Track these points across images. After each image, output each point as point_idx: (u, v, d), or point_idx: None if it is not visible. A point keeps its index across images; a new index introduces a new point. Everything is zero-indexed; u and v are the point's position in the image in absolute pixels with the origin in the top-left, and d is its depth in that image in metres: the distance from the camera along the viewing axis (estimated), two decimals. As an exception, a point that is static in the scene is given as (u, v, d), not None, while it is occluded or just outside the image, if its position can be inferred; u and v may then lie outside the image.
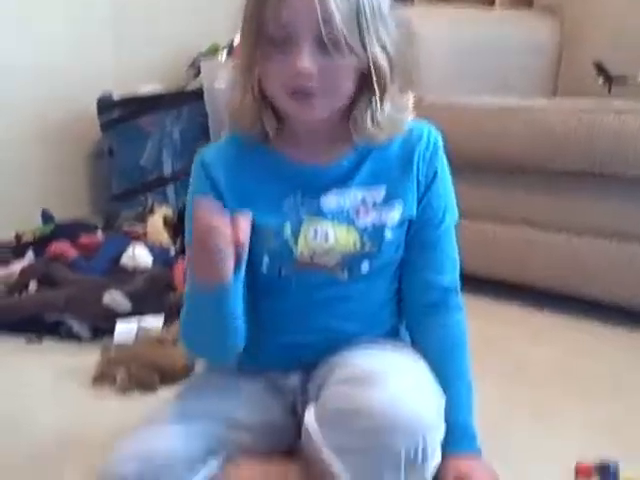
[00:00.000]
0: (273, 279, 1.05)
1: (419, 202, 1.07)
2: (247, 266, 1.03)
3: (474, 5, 2.73)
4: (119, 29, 3.06)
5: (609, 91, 2.22)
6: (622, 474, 1.11)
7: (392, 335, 1.12)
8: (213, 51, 3.00)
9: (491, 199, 2.08)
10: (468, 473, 1.01)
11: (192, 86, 2.88)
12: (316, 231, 1.03)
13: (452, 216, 1.11)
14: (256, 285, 1.06)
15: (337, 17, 0.92)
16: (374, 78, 0.99)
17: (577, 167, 1.85)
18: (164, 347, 1.62)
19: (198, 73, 2.90)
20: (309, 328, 1.07)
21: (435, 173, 1.07)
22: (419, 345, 1.09)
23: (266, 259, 1.04)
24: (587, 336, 1.81)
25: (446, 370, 1.04)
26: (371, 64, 0.98)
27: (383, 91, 1.00)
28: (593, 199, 1.88)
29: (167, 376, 1.53)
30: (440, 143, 1.09)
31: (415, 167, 1.06)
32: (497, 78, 2.38)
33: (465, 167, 2.06)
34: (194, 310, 1.01)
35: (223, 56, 2.83)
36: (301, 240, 1.03)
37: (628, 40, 2.36)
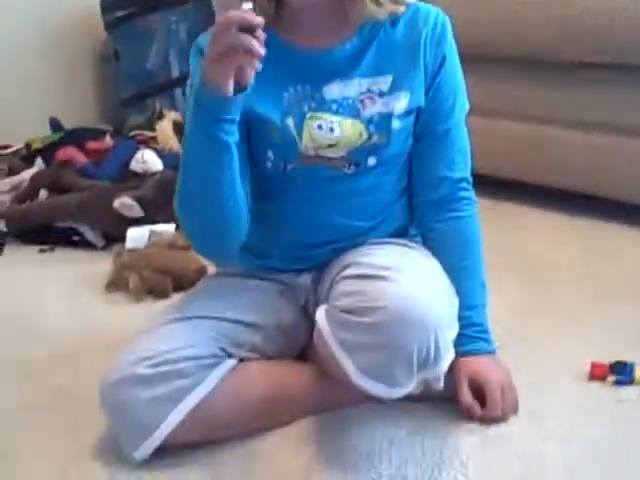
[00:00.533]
0: (278, 175, 1.03)
1: (427, 90, 1.03)
2: (251, 162, 1.01)
3: None
4: None
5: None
6: (637, 374, 1.10)
7: (402, 234, 1.10)
8: (218, -54, 2.89)
9: (514, 96, 2.01)
10: (482, 372, 1.00)
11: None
12: (320, 126, 1.00)
13: (462, 106, 1.07)
14: (261, 184, 1.03)
15: None
16: None
17: (594, 57, 1.78)
18: (176, 252, 1.61)
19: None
20: (317, 226, 1.05)
21: (443, 58, 1.04)
22: (430, 242, 1.08)
23: (270, 154, 1.01)
24: (606, 236, 1.77)
25: (459, 266, 1.03)
26: None
27: None
28: (612, 92, 1.81)
29: (180, 281, 1.52)
30: (448, 26, 1.05)
31: (422, 53, 1.03)
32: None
33: (480, 59, 2.00)
34: (193, 167, 0.95)
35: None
36: (305, 134, 1.00)
37: None
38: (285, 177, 1.03)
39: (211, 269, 1.52)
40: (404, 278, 0.91)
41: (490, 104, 2.02)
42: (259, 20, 0.85)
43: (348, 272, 0.96)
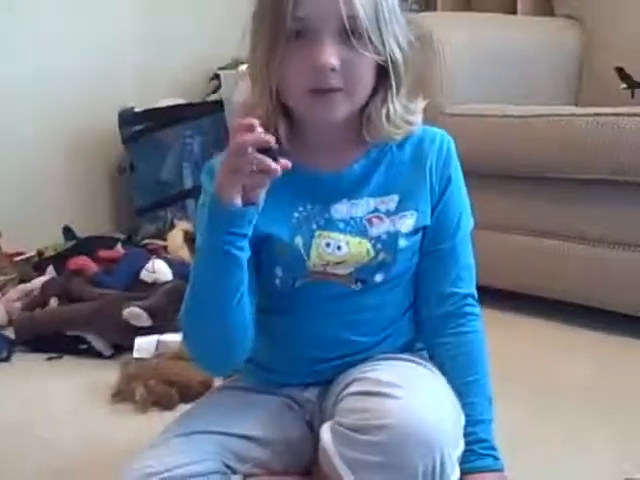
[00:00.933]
0: (286, 292, 1.03)
1: (433, 210, 1.06)
2: (259, 278, 1.02)
3: (496, 13, 2.70)
4: (143, 44, 3.07)
5: (632, 96, 2.19)
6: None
7: (408, 349, 1.09)
8: (234, 65, 3.00)
9: (516, 210, 2.06)
10: None
11: (213, 98, 2.89)
12: (328, 244, 1.02)
13: (467, 223, 1.09)
14: (269, 299, 1.04)
15: (361, 12, 0.94)
16: (391, 72, 0.99)
17: (602, 175, 1.82)
18: (183, 362, 1.61)
19: (219, 86, 2.90)
20: (323, 341, 1.05)
21: (449, 179, 1.06)
22: (436, 357, 1.07)
23: (279, 271, 1.02)
24: (614, 348, 1.77)
25: (465, 382, 1.02)
26: (388, 58, 0.98)
27: (398, 87, 1.01)
28: (620, 208, 1.85)
29: (186, 392, 1.51)
30: (453, 149, 1.08)
31: (428, 174, 1.05)
32: (519, 86, 2.36)
33: (490, 177, 2.05)
34: (200, 282, 0.96)
35: (244, 69, 2.83)
36: (313, 252, 1.01)
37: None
38: (293, 293, 1.04)
39: (217, 381, 1.52)
40: (409, 395, 0.91)
41: (495, 218, 2.06)
42: (273, 141, 0.88)
43: (353, 389, 0.95)
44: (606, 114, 1.83)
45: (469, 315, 1.08)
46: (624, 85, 2.22)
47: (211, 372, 1.13)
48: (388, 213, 1.03)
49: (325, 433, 0.94)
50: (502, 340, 1.75)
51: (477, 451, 1.00)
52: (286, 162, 0.90)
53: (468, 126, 2.10)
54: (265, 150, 0.88)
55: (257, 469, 1.02)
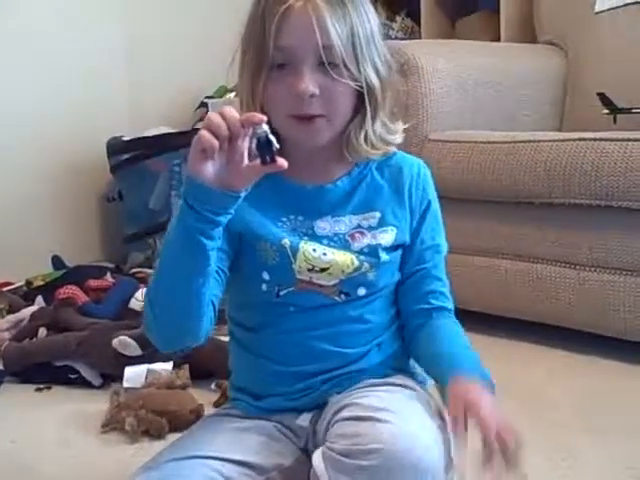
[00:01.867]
0: (271, 301, 1.05)
1: (412, 230, 1.09)
2: (246, 287, 1.04)
3: (479, 40, 2.74)
4: (131, 73, 3.10)
5: (614, 121, 2.22)
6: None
7: (397, 359, 1.11)
8: (221, 93, 3.03)
9: (502, 235, 2.07)
10: (473, 390, 0.95)
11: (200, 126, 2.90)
12: (314, 249, 1.04)
13: (443, 248, 1.13)
14: (254, 314, 1.06)
15: (337, 42, 0.98)
16: (367, 97, 1.03)
17: (587, 200, 1.84)
18: (173, 392, 1.61)
19: (206, 114, 2.92)
20: (309, 354, 1.06)
21: (429, 203, 1.11)
22: (416, 345, 1.09)
23: (266, 275, 1.04)
24: (603, 374, 1.78)
25: (449, 351, 1.04)
26: (364, 84, 1.02)
27: (375, 110, 1.05)
28: (605, 233, 1.86)
29: (176, 421, 1.51)
30: (429, 176, 1.13)
31: (407, 197, 1.09)
32: (504, 112, 2.39)
33: (475, 202, 2.07)
34: (164, 261, 0.96)
35: (231, 97, 2.85)
36: (300, 255, 1.03)
37: (630, 72, 2.38)
38: (278, 304, 1.05)
39: (208, 409, 1.52)
40: (400, 420, 0.91)
41: (481, 243, 2.08)
42: (265, 119, 0.88)
43: (344, 414, 0.96)
44: (590, 139, 1.86)
45: (446, 317, 1.10)
46: (606, 110, 2.25)
47: (158, 345, 1.11)
48: (370, 229, 1.07)
49: (317, 459, 0.94)
50: (488, 361, 1.75)
51: (465, 369, 0.99)
52: (282, 161, 0.90)
53: (453, 152, 2.12)
54: (265, 146, 0.89)
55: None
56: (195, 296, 0.97)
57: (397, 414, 0.92)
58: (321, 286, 1.04)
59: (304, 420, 1.09)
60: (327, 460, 0.93)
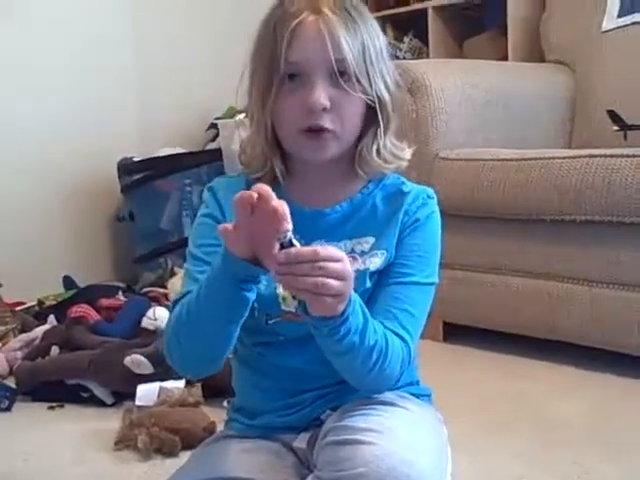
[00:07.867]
0: (262, 326, 1.05)
1: (396, 245, 1.05)
2: None
3: (487, 60, 2.75)
4: (142, 95, 3.12)
5: (625, 138, 2.23)
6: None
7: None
8: (231, 114, 3.05)
9: (513, 252, 2.07)
10: None
11: (211, 147, 2.92)
12: None
13: (426, 274, 1.06)
14: (249, 334, 1.06)
15: (349, 55, 0.99)
16: (379, 110, 1.04)
17: (598, 216, 1.85)
18: (186, 409, 1.61)
19: (217, 135, 2.94)
20: (300, 374, 1.06)
21: (416, 221, 1.06)
22: None
23: (255, 303, 1.01)
24: (617, 392, 1.77)
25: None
26: (375, 97, 1.03)
27: (387, 123, 1.06)
28: (616, 248, 1.86)
29: (189, 439, 1.51)
30: (432, 203, 1.09)
31: (401, 216, 1.07)
32: (513, 130, 2.40)
33: (485, 219, 2.07)
34: (203, 305, 0.96)
35: (241, 118, 2.87)
36: (288, 295, 1.01)
37: (637, 89, 2.39)
38: (268, 331, 1.05)
39: (220, 426, 1.52)
40: (383, 439, 0.90)
41: (491, 261, 2.08)
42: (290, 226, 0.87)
43: (329, 438, 0.94)
44: (600, 155, 1.86)
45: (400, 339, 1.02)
46: (616, 127, 2.25)
47: (178, 370, 1.11)
48: (362, 253, 1.05)
49: (310, 485, 0.94)
50: (502, 379, 1.76)
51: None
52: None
53: (463, 170, 2.13)
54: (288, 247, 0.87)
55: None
56: (227, 338, 0.98)
57: (382, 433, 0.91)
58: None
59: (301, 442, 1.08)
60: None
